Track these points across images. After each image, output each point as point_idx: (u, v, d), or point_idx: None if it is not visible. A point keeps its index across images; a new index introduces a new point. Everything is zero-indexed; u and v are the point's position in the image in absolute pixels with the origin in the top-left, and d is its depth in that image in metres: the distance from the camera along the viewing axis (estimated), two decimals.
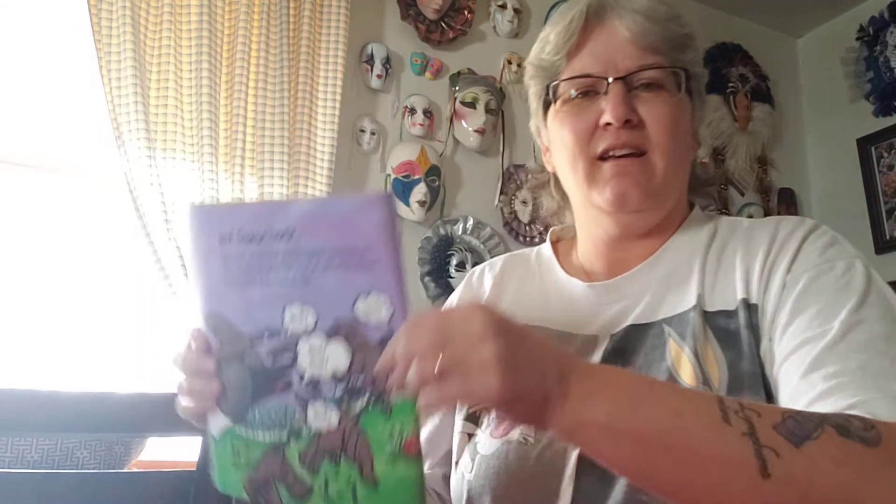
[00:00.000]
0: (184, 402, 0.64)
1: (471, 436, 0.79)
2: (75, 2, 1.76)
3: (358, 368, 0.55)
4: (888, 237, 2.60)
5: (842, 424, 0.53)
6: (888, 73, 2.62)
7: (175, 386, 0.65)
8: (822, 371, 0.61)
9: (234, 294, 0.59)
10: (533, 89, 0.87)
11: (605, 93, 0.77)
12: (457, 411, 0.82)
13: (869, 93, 2.70)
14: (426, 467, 0.84)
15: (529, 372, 0.52)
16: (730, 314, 0.72)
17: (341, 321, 0.56)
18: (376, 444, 0.55)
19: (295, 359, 0.57)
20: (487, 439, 0.76)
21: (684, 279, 0.77)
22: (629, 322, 0.77)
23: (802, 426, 0.53)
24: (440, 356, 0.50)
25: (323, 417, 0.57)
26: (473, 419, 0.80)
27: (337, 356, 0.56)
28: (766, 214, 2.77)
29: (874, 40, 2.69)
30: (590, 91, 0.79)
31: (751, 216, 2.33)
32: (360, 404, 0.56)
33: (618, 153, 0.77)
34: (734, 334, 0.71)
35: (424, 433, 0.84)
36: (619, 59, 0.77)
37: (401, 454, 0.55)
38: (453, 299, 0.95)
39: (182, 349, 0.64)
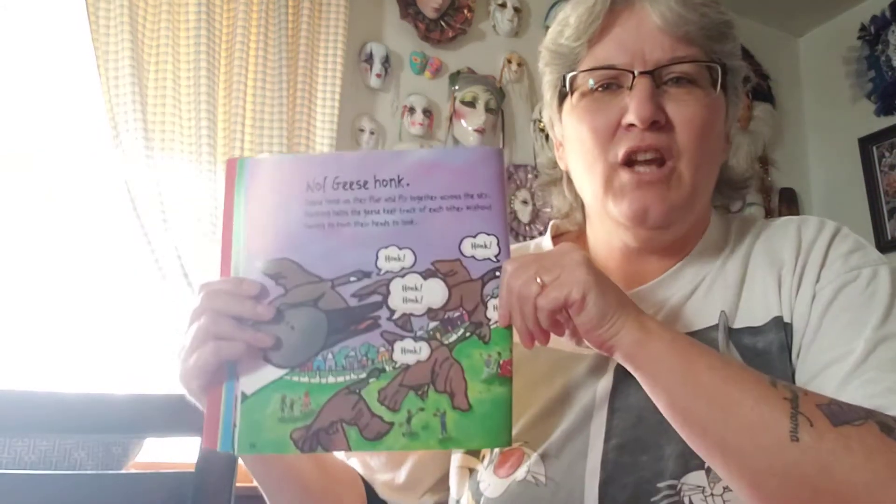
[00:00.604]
0: (208, 352, 0.58)
1: (471, 470, 0.73)
2: (73, 1, 1.75)
3: (455, 304, 0.61)
4: (890, 237, 2.59)
5: (887, 423, 0.53)
6: (890, 73, 2.62)
7: (196, 334, 0.59)
8: (846, 398, 0.59)
9: (315, 238, 0.61)
10: (547, 77, 0.77)
11: (630, 87, 0.68)
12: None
13: (870, 92, 2.69)
14: (413, 500, 0.80)
15: (613, 287, 0.60)
16: (756, 331, 0.68)
17: (440, 261, 0.61)
18: (471, 371, 0.61)
19: (385, 298, 0.61)
20: (491, 478, 0.69)
21: (705, 293, 0.72)
22: None
23: (846, 412, 0.54)
24: (542, 279, 0.59)
25: (412, 352, 0.61)
26: (475, 451, 0.74)
27: (433, 293, 0.61)
28: (768, 214, 2.76)
29: (875, 39, 2.68)
30: (612, 84, 0.70)
31: None
32: (455, 336, 0.61)
33: (640, 157, 0.68)
34: (762, 353, 0.66)
35: (407, 467, 0.79)
36: (647, 49, 0.68)
37: (497, 376, 0.61)
38: None
39: (222, 293, 0.60)
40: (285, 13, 1.96)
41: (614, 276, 0.75)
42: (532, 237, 2.33)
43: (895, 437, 0.52)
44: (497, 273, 0.62)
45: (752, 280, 0.71)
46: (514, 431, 0.69)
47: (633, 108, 0.67)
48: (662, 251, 0.75)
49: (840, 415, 0.53)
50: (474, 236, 0.62)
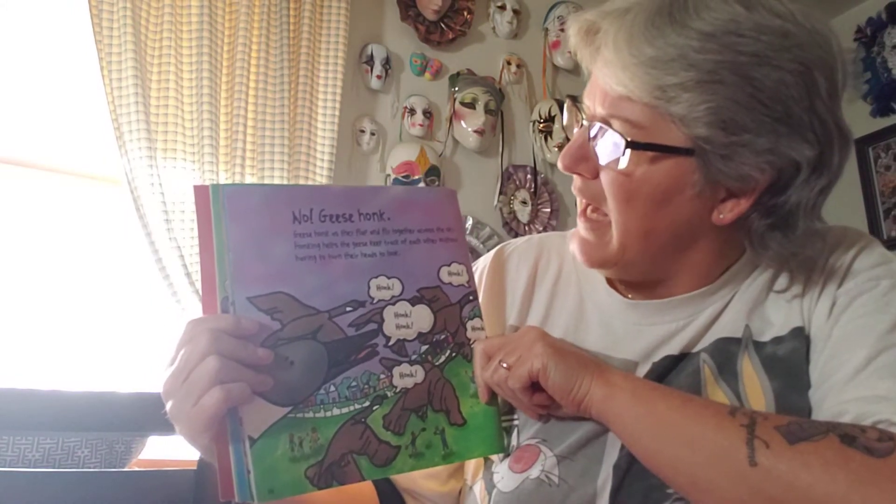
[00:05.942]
0: (218, 399, 0.54)
1: (486, 459, 0.73)
2: (76, 2, 1.77)
3: (440, 328, 0.66)
4: (886, 237, 2.60)
5: (849, 434, 0.54)
6: (886, 74, 2.62)
7: (198, 380, 0.54)
8: (842, 403, 0.60)
9: (307, 270, 0.61)
10: None
11: None
12: None
13: (866, 93, 2.70)
14: (438, 485, 0.78)
15: (572, 352, 0.64)
16: (779, 340, 0.68)
17: (424, 288, 0.66)
18: (460, 388, 0.66)
19: (380, 325, 0.63)
20: (506, 472, 0.69)
21: (736, 305, 0.71)
22: (672, 352, 0.70)
23: (804, 430, 0.55)
24: (507, 363, 0.63)
25: (409, 376, 0.64)
26: None
27: (421, 318, 0.65)
28: None
29: (871, 41, 2.69)
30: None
31: None
32: (443, 357, 0.65)
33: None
34: (783, 360, 0.67)
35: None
36: (598, 97, 0.66)
37: None
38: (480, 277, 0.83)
39: (224, 333, 0.56)
40: (287, 15, 1.98)
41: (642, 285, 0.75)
42: None
43: (857, 446, 0.52)
44: (470, 297, 0.68)
45: (781, 289, 0.70)
46: (534, 429, 0.70)
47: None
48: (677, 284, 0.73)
49: (798, 433, 0.54)
50: (449, 265, 0.68)
